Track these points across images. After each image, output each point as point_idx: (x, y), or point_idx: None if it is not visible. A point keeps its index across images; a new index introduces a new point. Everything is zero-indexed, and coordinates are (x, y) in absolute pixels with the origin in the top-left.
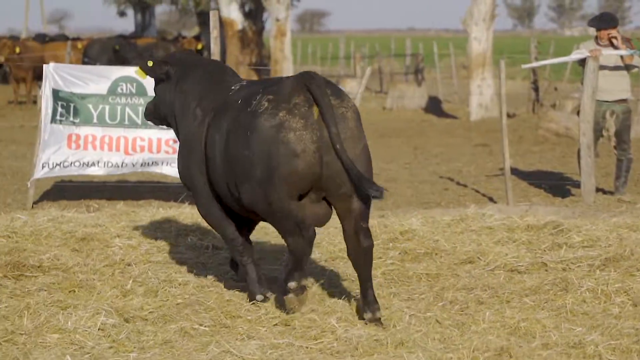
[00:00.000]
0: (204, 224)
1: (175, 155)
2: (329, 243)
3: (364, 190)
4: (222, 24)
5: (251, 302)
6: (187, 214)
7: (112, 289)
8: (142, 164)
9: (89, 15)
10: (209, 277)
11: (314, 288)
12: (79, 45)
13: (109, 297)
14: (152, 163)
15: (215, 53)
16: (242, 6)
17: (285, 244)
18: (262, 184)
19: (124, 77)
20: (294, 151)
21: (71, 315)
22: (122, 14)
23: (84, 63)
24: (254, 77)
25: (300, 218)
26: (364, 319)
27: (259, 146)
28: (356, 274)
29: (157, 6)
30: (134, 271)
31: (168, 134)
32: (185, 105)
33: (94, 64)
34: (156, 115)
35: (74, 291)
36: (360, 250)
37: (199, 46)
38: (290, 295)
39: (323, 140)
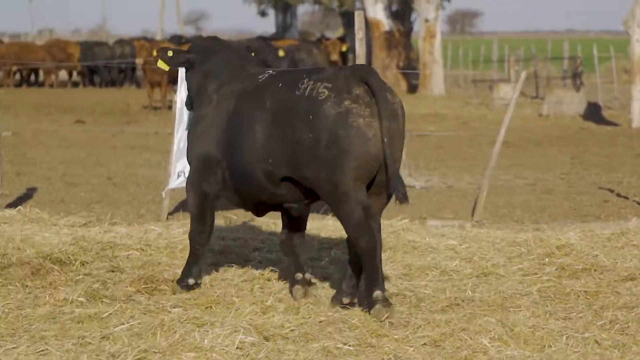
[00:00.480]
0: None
1: None
2: (480, 258)
3: (393, 189)
4: (368, 24)
5: (181, 284)
6: (331, 226)
7: (251, 305)
8: None
9: (228, 15)
10: None
11: (463, 305)
12: None
13: (248, 313)
14: None
15: (360, 55)
16: (388, 6)
17: (352, 243)
18: (329, 166)
19: None
20: (365, 135)
21: (208, 332)
22: (262, 14)
23: None
24: (402, 82)
25: (367, 203)
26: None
27: (326, 131)
28: (513, 290)
29: (299, 6)
30: (274, 287)
31: None
32: (202, 88)
33: None
34: (189, 104)
35: (211, 307)
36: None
37: (343, 48)
38: (378, 306)
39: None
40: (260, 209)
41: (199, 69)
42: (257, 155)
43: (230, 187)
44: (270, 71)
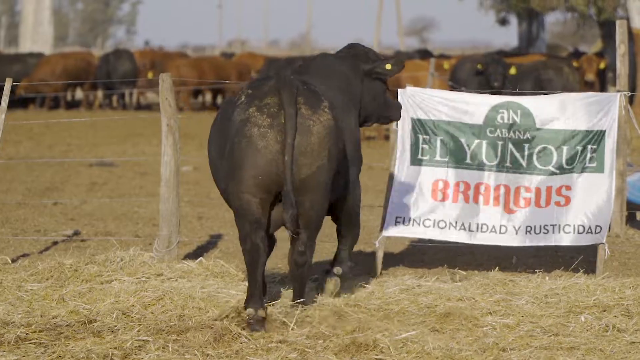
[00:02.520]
0: (610, 300)
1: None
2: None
3: (284, 207)
4: (632, 37)
5: None
6: (582, 285)
7: None
8: (526, 230)
9: (460, 24)
10: None
11: None
12: (445, 64)
13: None
14: (541, 229)
15: (622, 74)
16: None
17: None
18: (228, 174)
19: (503, 104)
20: (255, 145)
21: None
22: (502, 22)
23: (450, 88)
24: None
25: (257, 217)
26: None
27: (230, 137)
28: None
29: (548, 14)
30: (511, 358)
31: (561, 180)
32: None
33: (460, 89)
34: None
35: None
36: (293, 264)
37: (601, 65)
38: (249, 311)
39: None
40: None
41: None
42: None
43: None
44: None
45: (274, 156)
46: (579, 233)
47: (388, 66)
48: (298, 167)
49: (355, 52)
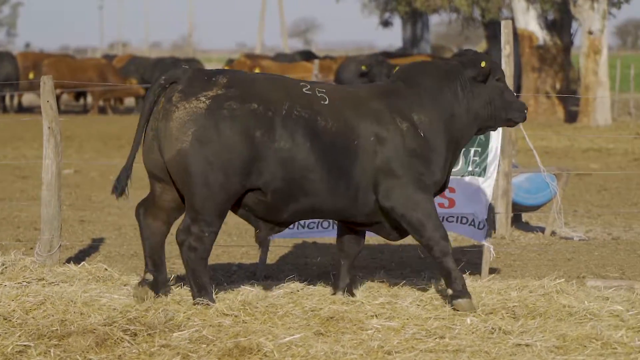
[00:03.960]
0: (495, 302)
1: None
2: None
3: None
4: (517, 37)
5: None
6: (494, 289)
7: None
8: None
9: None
10: None
11: None
12: (331, 65)
13: None
14: None
15: (507, 75)
16: (543, 15)
17: None
18: None
19: None
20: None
21: None
22: (386, 24)
23: None
24: (558, 109)
25: (149, 195)
26: None
27: None
28: None
29: (432, 15)
30: None
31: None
32: None
33: None
34: None
35: None
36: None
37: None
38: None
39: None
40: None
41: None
42: None
43: None
44: None
45: (148, 142)
46: (461, 234)
47: (483, 64)
48: (162, 150)
49: (460, 60)
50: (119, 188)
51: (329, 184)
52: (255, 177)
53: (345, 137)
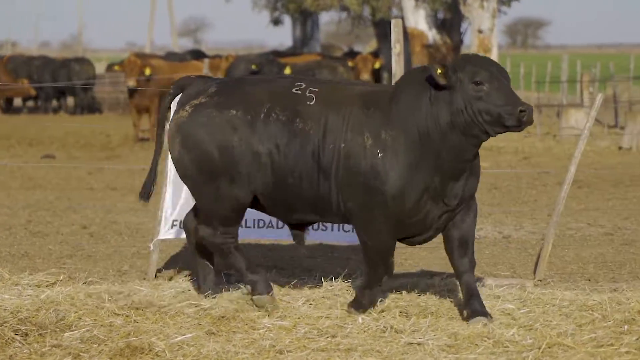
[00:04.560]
0: (387, 300)
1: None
2: (543, 325)
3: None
4: (407, 36)
5: None
6: (385, 288)
7: None
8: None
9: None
10: None
11: None
12: (221, 64)
13: None
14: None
15: (397, 73)
16: (433, 13)
17: None
18: None
19: None
20: None
21: None
22: (276, 22)
23: None
24: None
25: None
26: None
27: None
28: None
29: (322, 13)
30: None
31: None
32: None
33: None
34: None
35: None
36: None
37: (377, 65)
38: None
39: None
40: None
41: None
42: None
43: None
44: None
45: None
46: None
47: (437, 71)
48: None
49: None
50: (146, 193)
51: (306, 187)
52: (244, 182)
53: (320, 140)
